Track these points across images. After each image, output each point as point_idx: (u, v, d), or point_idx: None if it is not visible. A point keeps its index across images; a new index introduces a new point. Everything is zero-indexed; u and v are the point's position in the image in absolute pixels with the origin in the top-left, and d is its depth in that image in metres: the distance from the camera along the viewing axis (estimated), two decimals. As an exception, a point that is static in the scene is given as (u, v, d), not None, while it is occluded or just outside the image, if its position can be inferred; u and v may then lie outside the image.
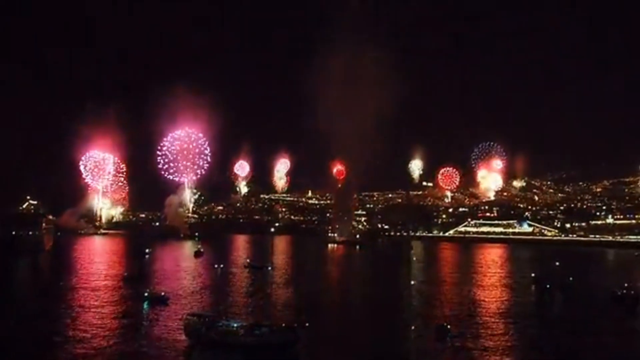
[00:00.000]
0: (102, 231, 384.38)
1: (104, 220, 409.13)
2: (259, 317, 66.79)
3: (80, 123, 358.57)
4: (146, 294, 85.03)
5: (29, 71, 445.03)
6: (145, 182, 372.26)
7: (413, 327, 66.75)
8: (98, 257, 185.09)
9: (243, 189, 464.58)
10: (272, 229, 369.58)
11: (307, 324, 62.65)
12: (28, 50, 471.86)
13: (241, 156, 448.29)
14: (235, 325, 58.39)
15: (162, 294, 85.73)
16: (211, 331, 57.65)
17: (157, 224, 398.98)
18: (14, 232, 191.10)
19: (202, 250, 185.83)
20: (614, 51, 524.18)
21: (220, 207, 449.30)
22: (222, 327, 58.07)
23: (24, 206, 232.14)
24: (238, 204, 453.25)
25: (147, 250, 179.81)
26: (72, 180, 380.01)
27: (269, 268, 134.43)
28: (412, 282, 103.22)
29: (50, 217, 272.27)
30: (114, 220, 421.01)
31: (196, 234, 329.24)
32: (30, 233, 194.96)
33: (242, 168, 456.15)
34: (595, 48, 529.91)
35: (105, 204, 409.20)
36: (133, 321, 70.25)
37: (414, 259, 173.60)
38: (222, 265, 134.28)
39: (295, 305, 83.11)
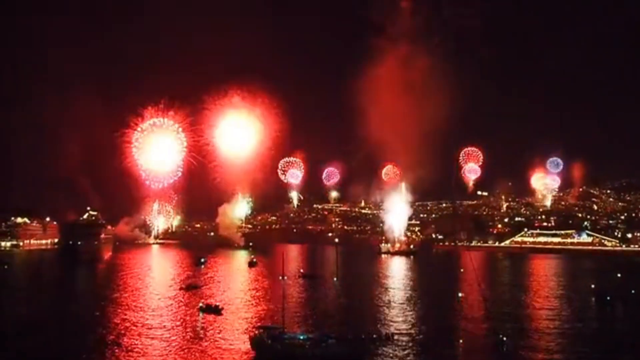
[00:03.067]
0: (159, 241, 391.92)
1: (160, 230, 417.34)
2: (322, 329, 65.26)
3: (138, 132, 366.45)
4: (201, 305, 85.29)
5: (88, 79, 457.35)
6: (200, 191, 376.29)
7: (468, 339, 64.71)
8: (155, 266, 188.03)
9: (296, 198, 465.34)
10: (337, 239, 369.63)
11: (374, 336, 61.23)
12: (87, 61, 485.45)
13: (294, 166, 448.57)
14: (301, 337, 57.13)
15: (217, 304, 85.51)
16: (277, 343, 56.56)
17: (212, 233, 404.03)
18: (74, 242, 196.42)
19: (255, 260, 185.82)
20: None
21: (274, 217, 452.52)
22: (289, 339, 56.93)
23: (85, 216, 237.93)
24: (291, 214, 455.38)
25: (202, 260, 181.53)
26: (129, 190, 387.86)
27: (335, 279, 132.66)
28: (461, 294, 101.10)
29: (109, 227, 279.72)
30: (170, 230, 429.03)
31: (250, 243, 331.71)
32: (90, 243, 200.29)
33: (295, 177, 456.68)
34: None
35: (162, 214, 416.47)
36: (194, 332, 69.76)
37: (462, 270, 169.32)
38: (285, 277, 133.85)
39: (357, 317, 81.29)
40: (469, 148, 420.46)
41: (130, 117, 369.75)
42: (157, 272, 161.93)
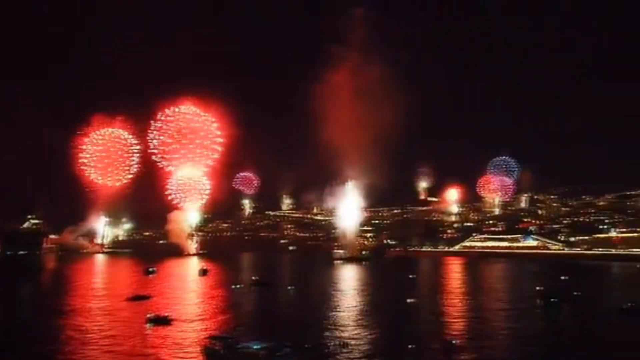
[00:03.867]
0: (106, 250, 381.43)
1: (107, 238, 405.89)
2: (276, 337, 63.49)
3: (84, 138, 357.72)
4: (150, 316, 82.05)
5: (31, 86, 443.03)
6: (150, 198, 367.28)
7: (419, 345, 64.49)
8: (101, 276, 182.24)
9: (248, 205, 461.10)
10: (291, 247, 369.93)
11: (330, 343, 60.26)
12: (31, 65, 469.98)
13: (247, 172, 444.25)
14: (256, 346, 55.36)
15: (167, 315, 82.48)
16: (230, 353, 54.70)
17: (162, 241, 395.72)
18: (15, 252, 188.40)
19: (207, 268, 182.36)
20: (618, 65, 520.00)
21: (226, 225, 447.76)
22: (242, 349, 55.12)
23: (26, 225, 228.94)
24: (244, 221, 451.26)
25: (151, 269, 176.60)
26: (75, 197, 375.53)
27: (290, 288, 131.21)
28: (410, 300, 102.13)
29: (53, 236, 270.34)
30: (118, 238, 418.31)
31: (202, 251, 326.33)
32: (32, 253, 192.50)
33: (247, 184, 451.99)
34: (598, 62, 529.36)
35: (109, 222, 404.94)
36: (142, 344, 66.88)
37: (413, 275, 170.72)
38: (239, 285, 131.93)
39: (313, 325, 79.73)
40: (421, 154, 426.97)
41: (78, 124, 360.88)
42: (103, 283, 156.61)
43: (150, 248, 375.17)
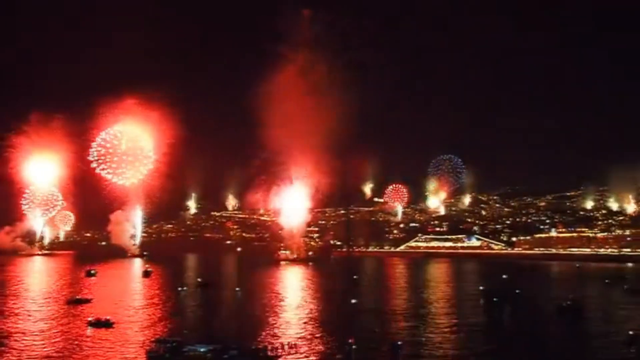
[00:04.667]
0: (45, 251, 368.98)
1: (46, 240, 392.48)
2: (223, 340, 62.71)
3: (22, 137, 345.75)
4: (91, 319, 79.54)
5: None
6: (90, 198, 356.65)
7: (363, 345, 64.60)
8: (40, 279, 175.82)
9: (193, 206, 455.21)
10: (239, 248, 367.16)
11: (277, 346, 59.90)
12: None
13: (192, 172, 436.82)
14: (202, 349, 54.55)
15: (108, 318, 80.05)
16: (176, 356, 53.73)
17: (104, 243, 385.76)
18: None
19: (150, 270, 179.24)
20: (559, 67, 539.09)
21: (170, 225, 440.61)
22: (188, 352, 54.22)
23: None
24: (188, 222, 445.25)
25: (92, 271, 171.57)
26: (11, 197, 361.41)
27: (236, 290, 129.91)
28: (354, 301, 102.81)
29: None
30: (58, 239, 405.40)
31: (145, 253, 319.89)
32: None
33: (193, 185, 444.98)
34: (538, 66, 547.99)
35: (48, 223, 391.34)
36: (83, 348, 64.72)
37: (357, 276, 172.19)
38: (185, 287, 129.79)
39: (260, 327, 79.11)
40: (366, 155, 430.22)
41: (15, 121, 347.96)
42: (42, 286, 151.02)
43: (91, 249, 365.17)
